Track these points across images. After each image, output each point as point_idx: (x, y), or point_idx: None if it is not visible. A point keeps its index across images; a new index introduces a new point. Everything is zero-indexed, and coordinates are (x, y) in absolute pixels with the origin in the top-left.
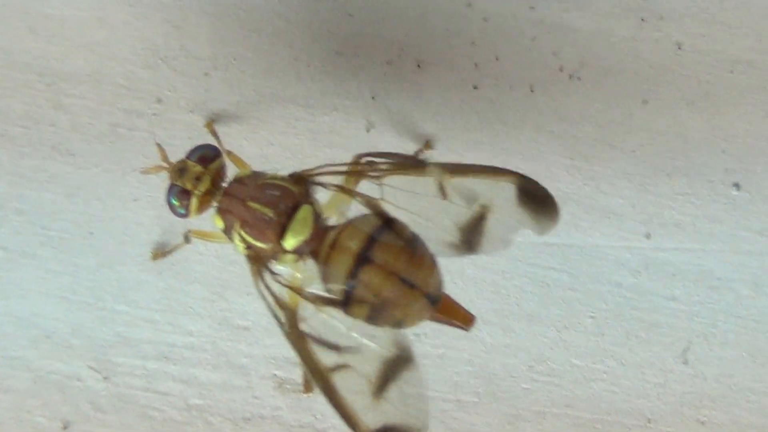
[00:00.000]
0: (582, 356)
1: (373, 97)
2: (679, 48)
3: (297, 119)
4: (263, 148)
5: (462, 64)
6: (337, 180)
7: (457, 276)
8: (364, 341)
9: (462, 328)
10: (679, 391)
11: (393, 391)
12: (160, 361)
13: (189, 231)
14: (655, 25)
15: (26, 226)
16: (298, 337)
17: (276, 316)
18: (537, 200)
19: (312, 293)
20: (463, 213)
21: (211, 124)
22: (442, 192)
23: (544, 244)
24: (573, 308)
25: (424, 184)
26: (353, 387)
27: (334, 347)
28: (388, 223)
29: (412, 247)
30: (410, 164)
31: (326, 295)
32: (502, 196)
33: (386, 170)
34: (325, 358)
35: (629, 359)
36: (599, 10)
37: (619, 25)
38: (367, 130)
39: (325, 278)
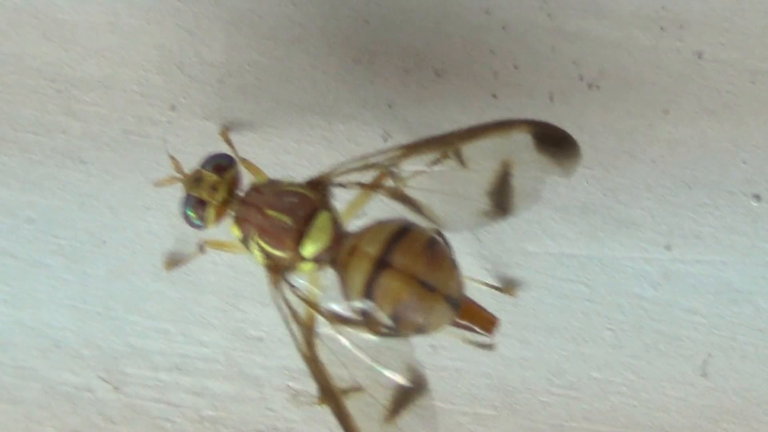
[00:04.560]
0: (600, 369)
1: (390, 106)
2: (700, 57)
3: (313, 127)
4: (278, 156)
5: (481, 72)
6: (356, 178)
7: (475, 288)
8: (378, 366)
9: (484, 333)
10: (698, 405)
11: (404, 418)
12: (172, 372)
13: (204, 241)
14: (675, 34)
15: (37, 235)
16: (312, 356)
17: (291, 332)
18: (555, 143)
19: (329, 310)
20: (487, 177)
21: (225, 131)
22: (461, 161)
23: (562, 256)
24: (592, 320)
25: (441, 158)
26: (365, 410)
27: (349, 369)
28: (407, 227)
29: (431, 250)
30: (422, 143)
31: (343, 313)
32: (519, 148)
33: (401, 155)
34: (339, 378)
35: (648, 372)
36: (618, 19)
37: (638, 34)
38: (384, 140)
39: (344, 286)
